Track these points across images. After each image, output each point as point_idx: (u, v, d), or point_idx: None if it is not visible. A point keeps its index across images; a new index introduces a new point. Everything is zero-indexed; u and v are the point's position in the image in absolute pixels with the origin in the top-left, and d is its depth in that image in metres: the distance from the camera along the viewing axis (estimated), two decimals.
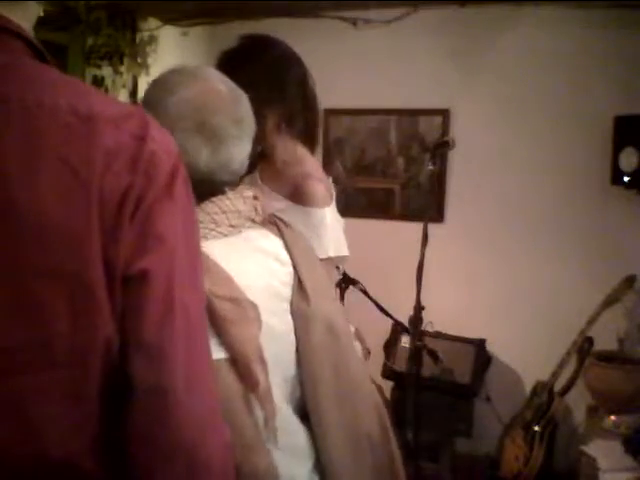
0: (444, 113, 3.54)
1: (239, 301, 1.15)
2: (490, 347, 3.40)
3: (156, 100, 1.19)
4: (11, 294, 0.71)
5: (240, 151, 1.22)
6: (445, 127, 3.54)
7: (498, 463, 3.14)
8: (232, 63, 1.75)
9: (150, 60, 4.11)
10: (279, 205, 1.82)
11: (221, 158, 1.19)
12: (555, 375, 3.08)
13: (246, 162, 1.26)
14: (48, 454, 0.74)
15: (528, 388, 3.27)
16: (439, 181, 3.50)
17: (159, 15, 3.98)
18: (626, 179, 3.09)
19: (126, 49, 3.94)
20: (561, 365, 3.07)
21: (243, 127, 1.22)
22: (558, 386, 3.09)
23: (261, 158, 1.91)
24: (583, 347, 3.04)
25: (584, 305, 3.02)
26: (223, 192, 1.24)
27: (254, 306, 1.16)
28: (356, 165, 3.80)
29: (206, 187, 1.19)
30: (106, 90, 3.81)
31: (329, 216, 1.81)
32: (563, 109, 3.32)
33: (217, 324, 1.12)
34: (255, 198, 1.29)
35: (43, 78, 0.77)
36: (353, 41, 3.64)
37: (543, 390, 3.13)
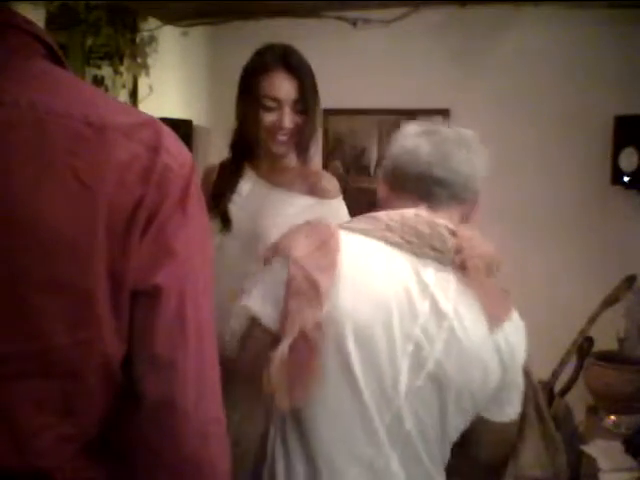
0: (444, 113, 3.54)
1: (311, 279, 1.16)
2: None
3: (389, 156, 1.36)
4: (10, 303, 0.70)
5: (467, 164, 1.35)
6: None
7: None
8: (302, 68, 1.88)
9: (150, 60, 4.11)
10: (305, 202, 1.88)
11: (439, 154, 1.32)
12: (555, 375, 3.08)
13: (476, 185, 1.35)
14: (36, 464, 0.73)
15: None
16: None
17: (159, 15, 3.98)
18: (626, 179, 3.09)
19: (126, 49, 3.94)
20: (561, 365, 3.06)
21: (471, 148, 1.38)
22: (558, 386, 3.09)
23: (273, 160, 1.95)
24: (583, 347, 3.04)
25: (584, 305, 3.01)
26: (443, 199, 1.28)
27: (323, 292, 1.16)
28: (356, 165, 3.80)
29: (422, 186, 1.28)
30: (106, 90, 3.81)
31: (344, 206, 1.98)
32: (563, 109, 3.32)
33: (285, 291, 1.18)
34: (451, 233, 1.23)
35: (56, 83, 0.76)
36: (353, 41, 3.63)
37: (543, 390, 3.12)
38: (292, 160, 1.97)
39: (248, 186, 1.97)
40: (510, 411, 1.30)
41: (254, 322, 1.21)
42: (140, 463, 0.78)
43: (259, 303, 1.21)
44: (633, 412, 2.80)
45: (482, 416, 1.26)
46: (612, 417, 2.83)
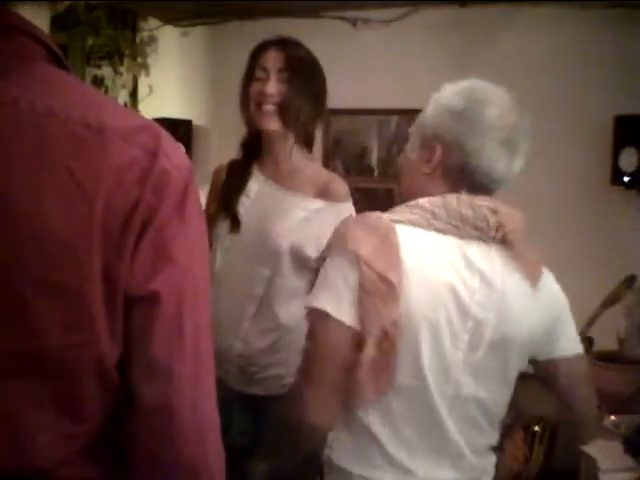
0: None
1: (384, 277, 1.21)
2: None
3: (472, 109, 1.34)
4: (5, 302, 0.70)
5: (521, 164, 1.37)
6: None
7: (498, 463, 3.13)
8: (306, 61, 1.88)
9: (150, 60, 4.12)
10: (314, 205, 1.88)
11: (513, 169, 1.36)
12: None
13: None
14: (34, 464, 0.73)
15: None
16: None
17: (159, 15, 3.98)
18: (626, 179, 3.09)
19: (126, 49, 3.95)
20: None
21: (528, 144, 1.36)
22: None
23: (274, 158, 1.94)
24: (583, 347, 3.04)
25: (584, 305, 3.01)
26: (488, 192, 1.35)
27: (396, 289, 1.22)
28: (356, 165, 3.80)
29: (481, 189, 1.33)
30: (106, 90, 3.82)
31: (353, 210, 1.98)
32: (563, 109, 3.32)
33: (360, 291, 1.22)
34: (492, 211, 1.32)
35: (57, 85, 0.76)
36: (353, 41, 3.63)
37: None
38: (290, 141, 1.93)
39: (256, 187, 1.97)
40: (573, 346, 1.46)
41: (332, 321, 1.24)
42: (137, 466, 0.78)
43: (334, 304, 1.24)
44: (633, 412, 2.80)
45: (553, 358, 1.42)
46: (612, 417, 2.83)
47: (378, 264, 1.22)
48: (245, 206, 1.95)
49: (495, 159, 1.31)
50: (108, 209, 0.71)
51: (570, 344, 1.46)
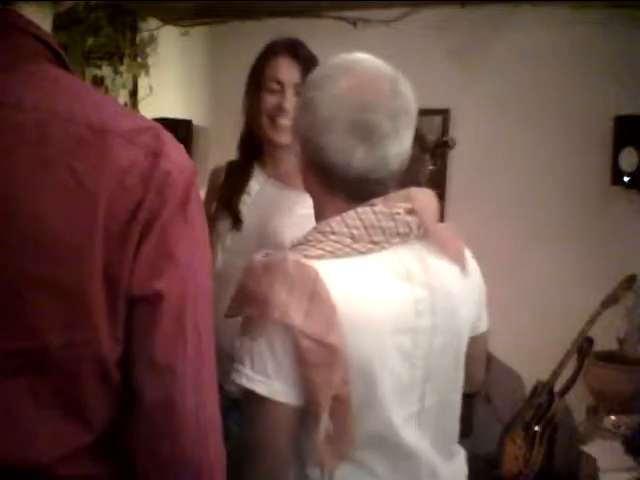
0: (444, 113, 3.54)
1: (325, 344, 1.07)
2: (490, 347, 3.39)
3: (308, 98, 1.17)
4: (6, 300, 0.71)
5: (398, 149, 1.16)
6: (445, 127, 3.54)
7: (498, 463, 3.13)
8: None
9: (150, 60, 4.12)
10: None
11: (377, 157, 1.14)
12: (555, 375, 3.08)
13: (406, 159, 1.19)
14: (36, 460, 0.74)
15: (528, 388, 3.27)
16: (439, 181, 3.50)
17: (159, 15, 3.98)
18: (626, 179, 3.09)
19: (126, 49, 3.95)
20: (561, 365, 3.06)
21: (401, 123, 1.15)
22: (558, 386, 3.09)
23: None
24: (583, 347, 3.04)
25: (584, 305, 3.01)
26: (382, 193, 1.17)
27: (340, 350, 1.08)
28: None
29: (362, 187, 1.16)
30: (106, 90, 3.82)
31: None
32: (563, 109, 3.32)
33: (300, 364, 1.07)
34: (410, 212, 1.18)
35: (60, 86, 0.76)
36: (353, 41, 3.63)
37: (543, 390, 3.12)
38: (296, 148, 1.96)
39: (257, 186, 1.97)
40: (486, 320, 1.43)
41: (272, 404, 1.09)
42: (139, 463, 0.79)
43: (265, 384, 1.09)
44: (633, 412, 2.80)
45: (475, 335, 1.36)
46: (612, 417, 2.83)
47: (314, 330, 1.06)
48: (247, 204, 1.95)
49: (347, 151, 1.13)
50: (110, 210, 0.72)
51: (485, 319, 1.42)
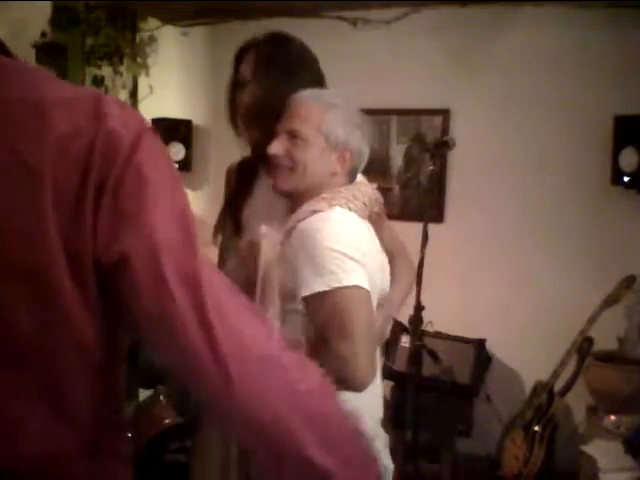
0: (444, 113, 3.54)
1: (365, 253, 1.46)
2: (490, 347, 3.40)
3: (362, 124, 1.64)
4: None
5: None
6: (445, 127, 3.54)
7: (498, 463, 3.14)
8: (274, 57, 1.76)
9: (150, 60, 4.12)
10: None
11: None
12: (555, 375, 3.08)
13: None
14: (26, 454, 0.73)
15: (528, 388, 3.27)
16: (439, 181, 3.50)
17: (159, 15, 3.99)
18: (626, 179, 3.09)
19: (126, 49, 3.95)
20: (561, 365, 3.06)
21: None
22: (558, 386, 3.09)
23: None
24: (583, 347, 3.04)
25: (584, 305, 3.02)
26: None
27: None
28: None
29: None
30: (106, 90, 3.81)
31: None
32: (563, 109, 3.32)
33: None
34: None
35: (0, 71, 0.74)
36: (353, 41, 3.64)
37: (543, 390, 3.12)
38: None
39: (262, 188, 1.97)
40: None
41: (366, 293, 1.44)
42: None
43: (360, 278, 1.44)
44: (633, 412, 2.80)
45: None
46: (612, 417, 2.83)
47: (358, 246, 1.45)
48: (250, 207, 1.95)
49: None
50: (57, 184, 0.70)
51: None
